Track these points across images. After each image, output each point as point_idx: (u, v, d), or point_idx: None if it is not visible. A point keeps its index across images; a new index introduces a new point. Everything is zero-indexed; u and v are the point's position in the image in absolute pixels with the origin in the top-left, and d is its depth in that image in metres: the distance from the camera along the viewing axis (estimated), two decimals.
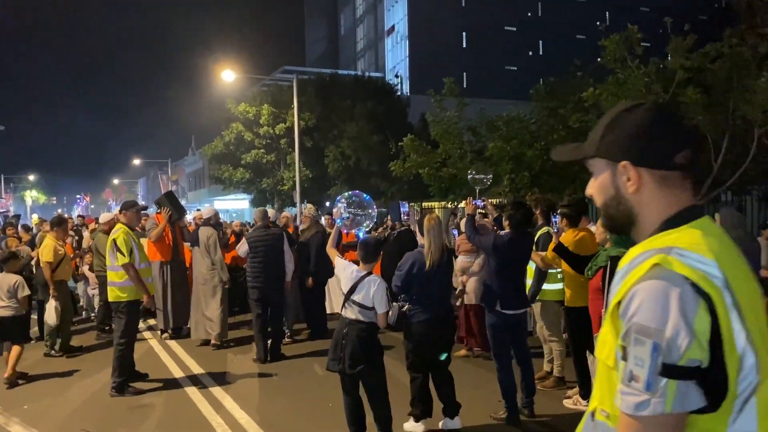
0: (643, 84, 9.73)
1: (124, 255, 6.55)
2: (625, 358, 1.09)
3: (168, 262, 9.31)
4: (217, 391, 6.65)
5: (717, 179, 10.61)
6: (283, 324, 8.64)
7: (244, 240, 8.29)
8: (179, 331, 9.55)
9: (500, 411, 5.45)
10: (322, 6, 71.64)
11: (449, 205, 19.86)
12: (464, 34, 51.67)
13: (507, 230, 5.62)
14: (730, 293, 1.09)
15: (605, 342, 1.20)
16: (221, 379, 7.12)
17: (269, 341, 8.08)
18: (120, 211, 7.16)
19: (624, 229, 1.32)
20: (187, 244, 9.67)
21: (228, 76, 22.82)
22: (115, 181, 78.03)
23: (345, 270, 4.94)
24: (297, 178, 23.40)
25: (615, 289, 1.21)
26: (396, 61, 54.38)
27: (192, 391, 6.67)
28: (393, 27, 54.94)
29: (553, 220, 6.67)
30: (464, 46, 51.71)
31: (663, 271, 1.10)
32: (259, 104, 27.48)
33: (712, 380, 1.05)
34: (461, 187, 16.63)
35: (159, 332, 9.56)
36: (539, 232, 6.12)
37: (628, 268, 1.19)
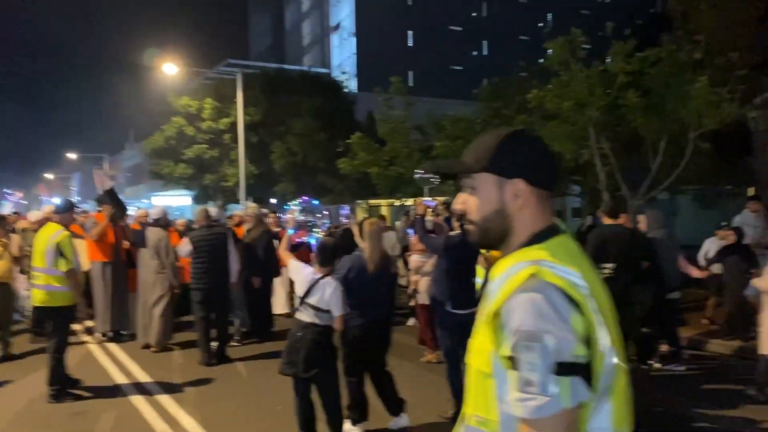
0: (586, 86, 9.98)
1: (68, 260, 6.25)
2: (515, 367, 1.14)
3: (109, 262, 8.97)
4: (161, 396, 6.44)
5: (654, 180, 11.01)
6: (230, 326, 8.45)
7: (186, 240, 8.02)
8: (120, 336, 9.22)
9: (449, 410, 5.49)
10: (267, 0, 70.63)
11: (396, 203, 19.97)
12: (410, 32, 51.93)
13: (457, 230, 5.65)
14: (593, 300, 1.22)
15: (481, 350, 1.26)
16: (166, 384, 6.90)
17: (215, 344, 7.89)
18: (55, 213, 6.82)
19: (495, 244, 1.42)
20: (126, 243, 9.35)
21: (169, 68, 22.15)
22: (49, 176, 74.83)
23: (301, 272, 4.90)
24: (241, 175, 22.96)
25: (490, 298, 1.28)
26: (342, 58, 54.15)
27: (135, 397, 6.44)
28: (339, 24, 54.68)
29: None
30: (410, 44, 51.97)
31: (538, 281, 1.19)
32: (201, 98, 26.84)
33: (589, 376, 1.15)
34: (408, 185, 16.75)
35: (98, 336, 9.18)
36: None
37: (503, 278, 1.27)
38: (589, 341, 1.16)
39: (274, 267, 10.08)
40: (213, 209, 9.70)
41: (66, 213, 6.70)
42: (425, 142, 17.63)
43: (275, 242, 10.86)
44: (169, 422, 5.64)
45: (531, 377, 1.12)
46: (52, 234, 6.36)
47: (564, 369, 1.11)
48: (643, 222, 7.65)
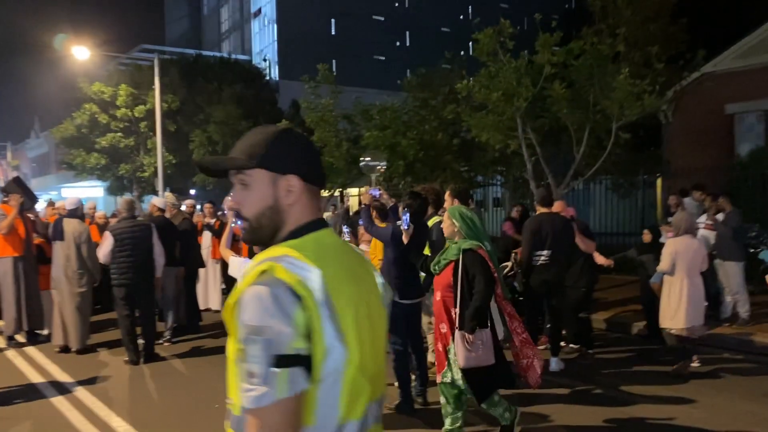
0: (514, 77, 10.18)
1: None
2: (243, 359, 1.22)
3: (20, 257, 8.34)
4: (88, 398, 6.05)
5: (576, 170, 11.40)
6: (156, 322, 8.05)
7: (107, 233, 7.53)
8: (35, 336, 8.62)
9: (395, 401, 5.46)
10: None
11: (325, 194, 19.80)
12: (333, 20, 51.48)
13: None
14: (324, 295, 1.29)
15: (230, 339, 1.32)
16: (91, 385, 6.50)
17: (142, 341, 7.52)
18: None
19: (267, 240, 1.46)
20: (38, 237, 8.75)
21: (81, 52, 20.90)
22: None
23: (242, 267, 4.71)
24: (159, 164, 22.03)
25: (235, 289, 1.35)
26: (263, 45, 53.04)
27: (59, 401, 6.01)
28: (260, 9, 53.45)
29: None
30: (333, 33, 51.54)
31: (267, 277, 1.27)
32: (115, 84, 25.49)
33: (309, 368, 1.23)
34: (338, 175, 16.61)
35: (8, 338, 8.52)
36: (431, 222, 6.17)
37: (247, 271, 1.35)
38: (310, 335, 1.24)
39: (198, 258, 9.74)
40: (159, 199, 9.22)
41: None
42: (353, 131, 17.52)
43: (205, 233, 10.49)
44: (99, 425, 5.31)
45: (253, 369, 1.19)
46: None
47: (283, 361, 1.19)
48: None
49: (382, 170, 12.86)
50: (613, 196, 16.40)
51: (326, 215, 12.89)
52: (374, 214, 6.12)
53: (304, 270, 1.30)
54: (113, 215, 11.77)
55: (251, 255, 6.23)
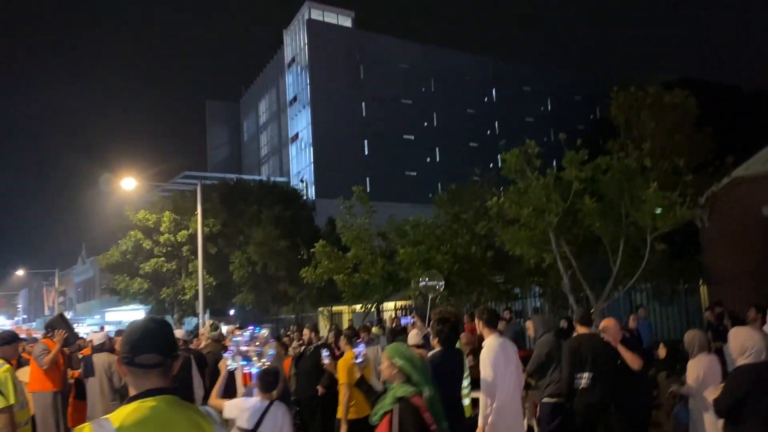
0: (543, 194, 10.37)
1: (5, 397, 5.68)
2: None
3: (60, 391, 8.41)
4: None
5: (615, 280, 11.25)
6: None
7: None
8: None
9: None
10: (225, 113, 72.56)
11: (360, 310, 19.76)
12: (365, 141, 53.74)
13: (436, 347, 5.49)
14: None
15: None
16: None
17: None
18: None
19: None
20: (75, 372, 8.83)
21: (128, 183, 22.07)
22: None
23: (243, 406, 4.74)
24: (200, 287, 22.45)
25: None
26: (301, 167, 55.32)
27: None
28: (297, 134, 56.28)
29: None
30: (366, 153, 53.63)
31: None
32: (159, 211, 26.68)
33: None
34: (374, 292, 16.68)
35: None
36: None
37: None
38: None
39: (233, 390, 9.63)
40: (180, 331, 9.30)
41: (7, 345, 6.28)
42: (388, 248, 17.78)
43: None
44: None
45: None
46: None
47: None
48: (530, 327, 7.64)
49: (441, 290, 12.85)
50: (655, 304, 15.98)
51: (374, 330, 12.61)
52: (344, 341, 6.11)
53: (103, 428, 1.89)
54: None
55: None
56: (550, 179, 10.63)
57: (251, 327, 5.65)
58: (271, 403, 4.70)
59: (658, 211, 9.44)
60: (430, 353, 5.46)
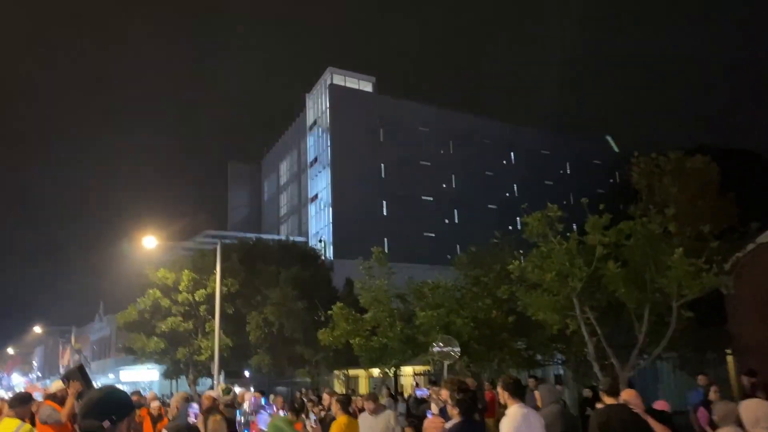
0: (567, 258, 10.25)
1: None
2: None
3: None
4: None
5: (640, 348, 10.95)
6: None
7: None
8: None
9: None
10: (246, 174, 73.85)
11: (377, 374, 19.38)
12: (384, 202, 54.11)
13: (455, 417, 5.35)
14: None
15: None
16: None
17: None
18: (11, 406, 6.33)
19: None
20: None
21: (149, 242, 22.24)
22: (9, 351, 71.64)
23: None
24: (216, 347, 22.20)
25: None
26: (319, 227, 55.66)
27: None
28: (317, 195, 56.92)
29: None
30: (384, 213, 53.91)
31: None
32: (179, 270, 26.73)
33: None
34: (392, 356, 16.37)
35: None
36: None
37: None
38: None
39: None
40: (214, 392, 9.13)
41: (23, 406, 6.24)
42: (406, 310, 17.56)
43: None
44: None
45: None
46: (13, 429, 5.84)
47: None
48: (538, 398, 7.47)
49: (457, 356, 12.54)
50: (681, 373, 15.47)
51: (380, 399, 12.42)
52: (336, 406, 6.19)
53: None
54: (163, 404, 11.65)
55: None
56: (573, 243, 10.54)
57: (254, 399, 5.88)
58: None
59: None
60: (449, 423, 5.31)
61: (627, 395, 6.35)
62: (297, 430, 6.29)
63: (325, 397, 9.10)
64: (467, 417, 5.14)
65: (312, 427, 6.70)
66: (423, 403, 10.10)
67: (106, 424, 2.52)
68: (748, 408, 4.57)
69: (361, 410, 8.16)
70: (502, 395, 5.68)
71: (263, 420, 5.99)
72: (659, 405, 7.10)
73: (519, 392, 5.69)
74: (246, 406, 6.35)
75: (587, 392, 11.07)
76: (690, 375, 15.36)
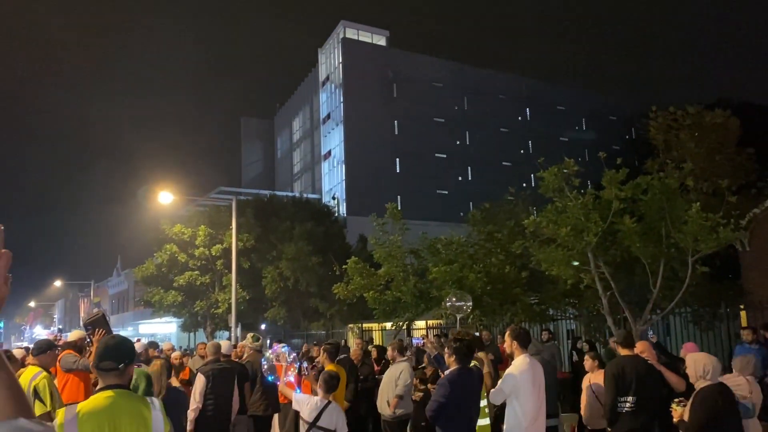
0: (582, 213, 10.24)
1: (45, 404, 5.80)
2: None
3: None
4: None
5: (654, 303, 11.01)
6: None
7: (199, 374, 7.49)
8: None
9: None
10: (259, 130, 73.66)
11: (391, 327, 19.69)
12: (397, 159, 53.91)
13: (452, 365, 5.54)
14: (75, 427, 2.79)
15: None
16: None
17: None
18: (34, 354, 6.48)
19: None
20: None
21: (165, 197, 22.41)
22: (31, 304, 73.37)
23: (308, 402, 5.40)
24: (233, 301, 22.63)
25: None
26: (332, 184, 55.70)
27: None
28: (330, 152, 56.77)
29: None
30: (398, 170, 53.77)
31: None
32: (195, 225, 27.05)
33: None
34: (405, 309, 16.60)
35: None
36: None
37: None
38: None
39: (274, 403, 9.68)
40: (225, 342, 9.39)
41: (45, 354, 6.40)
42: (420, 265, 17.70)
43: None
44: None
45: None
46: (30, 377, 5.99)
47: None
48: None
49: (468, 310, 12.75)
50: (694, 329, 15.57)
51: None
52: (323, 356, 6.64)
53: (69, 413, 2.82)
54: (185, 354, 11.97)
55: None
56: (589, 198, 10.50)
57: (276, 346, 6.38)
58: (329, 403, 5.38)
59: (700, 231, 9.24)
60: (447, 371, 5.54)
61: (641, 347, 6.48)
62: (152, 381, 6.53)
63: (315, 350, 9.45)
64: (463, 364, 5.44)
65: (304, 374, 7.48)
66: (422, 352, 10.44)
67: (121, 366, 3.07)
68: (695, 360, 5.00)
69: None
70: (510, 345, 5.86)
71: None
72: (689, 347, 7.25)
73: (526, 342, 5.93)
74: (269, 353, 6.63)
75: (585, 346, 11.23)
76: (702, 330, 15.48)
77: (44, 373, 6.05)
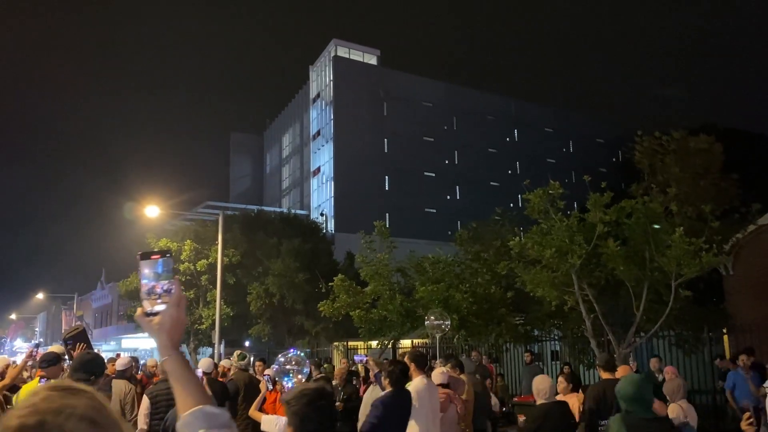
0: (567, 235, 10.32)
1: None
2: None
3: None
4: None
5: (638, 326, 11.08)
6: None
7: (144, 397, 6.99)
8: None
9: None
10: (248, 145, 73.63)
11: (376, 346, 19.60)
12: (386, 177, 54.07)
13: (387, 388, 5.62)
14: None
15: None
16: None
17: None
18: (42, 367, 6.36)
19: None
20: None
21: (152, 211, 22.34)
22: (12, 317, 72.32)
23: (275, 424, 5.00)
24: (217, 317, 22.46)
25: None
26: (321, 200, 55.69)
27: None
28: (319, 168, 56.83)
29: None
30: (386, 188, 53.90)
31: None
32: (181, 240, 26.89)
33: None
34: (391, 328, 16.55)
35: None
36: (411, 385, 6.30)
37: None
38: None
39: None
40: (205, 361, 9.21)
41: (55, 366, 6.33)
42: (407, 284, 17.70)
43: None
44: None
45: None
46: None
47: None
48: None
49: (447, 330, 12.73)
50: (678, 352, 15.65)
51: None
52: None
53: None
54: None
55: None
56: (573, 221, 10.59)
57: (292, 349, 6.18)
58: None
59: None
60: (382, 393, 5.64)
61: (623, 371, 6.51)
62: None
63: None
64: (397, 387, 5.54)
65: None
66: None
67: (92, 378, 3.33)
68: (537, 382, 5.65)
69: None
70: (410, 366, 6.11)
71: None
72: (669, 370, 7.39)
73: (422, 364, 6.33)
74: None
75: (566, 370, 11.29)
76: (685, 353, 15.55)
77: (29, 384, 6.02)
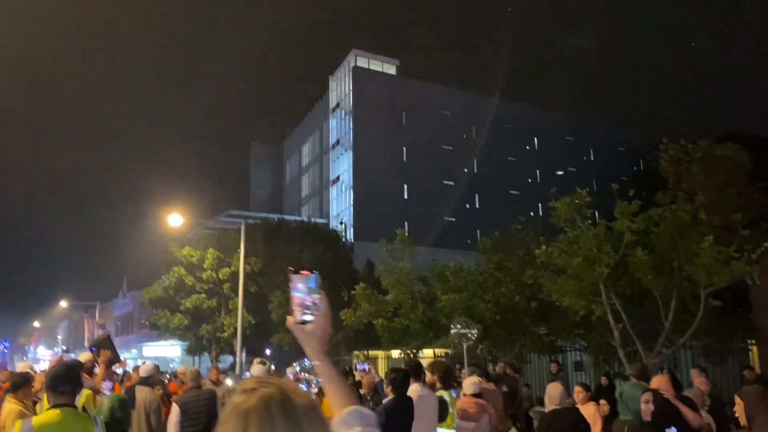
0: (594, 244, 10.25)
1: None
2: None
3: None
4: None
5: (668, 337, 10.96)
6: None
7: (174, 405, 7.22)
8: None
9: None
10: (268, 155, 74.20)
11: (398, 356, 19.56)
12: (405, 186, 54.09)
13: (389, 395, 5.69)
14: None
15: None
16: None
17: None
18: (10, 391, 6.43)
19: None
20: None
21: (175, 220, 22.56)
22: (35, 324, 73.24)
23: None
24: (239, 325, 22.60)
25: None
26: (340, 209, 55.84)
27: None
28: (338, 177, 57.04)
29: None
30: (405, 197, 53.91)
31: None
32: (203, 248, 27.12)
33: None
34: (413, 337, 16.53)
35: None
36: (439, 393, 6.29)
37: None
38: None
39: None
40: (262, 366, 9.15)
41: (24, 389, 6.37)
42: (428, 293, 17.66)
43: None
44: None
45: None
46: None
47: None
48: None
49: (474, 339, 12.64)
50: (704, 362, 15.41)
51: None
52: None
53: (26, 425, 3.47)
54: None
55: None
56: (601, 229, 10.52)
57: (306, 360, 6.31)
58: None
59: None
60: (384, 400, 5.67)
61: (658, 382, 6.39)
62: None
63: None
64: (399, 394, 5.60)
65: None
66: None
67: (75, 388, 3.71)
68: (549, 389, 5.92)
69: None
70: (430, 376, 6.39)
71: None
72: (697, 382, 7.29)
73: (418, 373, 6.37)
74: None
75: (604, 380, 11.14)
76: (713, 364, 15.31)
77: (87, 391, 6.11)
